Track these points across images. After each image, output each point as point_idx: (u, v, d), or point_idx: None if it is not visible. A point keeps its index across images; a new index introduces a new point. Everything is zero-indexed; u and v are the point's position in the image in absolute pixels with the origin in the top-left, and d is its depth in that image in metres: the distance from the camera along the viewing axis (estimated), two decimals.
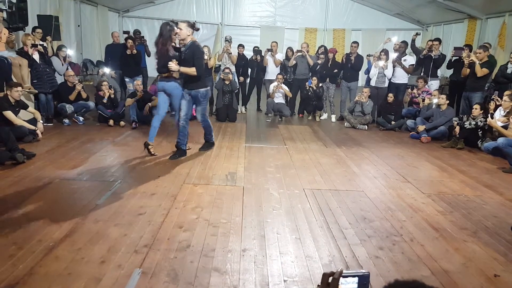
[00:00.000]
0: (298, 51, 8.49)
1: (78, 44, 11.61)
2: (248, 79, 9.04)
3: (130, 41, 7.85)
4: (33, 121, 5.62)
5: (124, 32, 10.05)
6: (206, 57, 8.14)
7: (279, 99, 8.32)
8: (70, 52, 8.38)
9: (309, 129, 7.46)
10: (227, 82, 7.80)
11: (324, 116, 8.71)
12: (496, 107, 6.15)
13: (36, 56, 6.58)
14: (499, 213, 3.69)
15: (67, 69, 7.36)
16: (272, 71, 8.68)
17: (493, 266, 2.72)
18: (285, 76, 8.49)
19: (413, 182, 4.51)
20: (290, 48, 8.84)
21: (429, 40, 8.28)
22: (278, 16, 15.28)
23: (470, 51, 7.39)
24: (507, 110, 5.81)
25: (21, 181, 3.95)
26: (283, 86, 8.17)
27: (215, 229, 3.08)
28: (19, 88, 5.56)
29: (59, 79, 7.11)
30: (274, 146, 5.92)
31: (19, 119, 5.42)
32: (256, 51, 8.91)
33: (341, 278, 1.18)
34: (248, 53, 9.17)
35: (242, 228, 3.13)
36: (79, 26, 11.47)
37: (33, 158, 4.67)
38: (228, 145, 5.83)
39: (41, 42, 6.89)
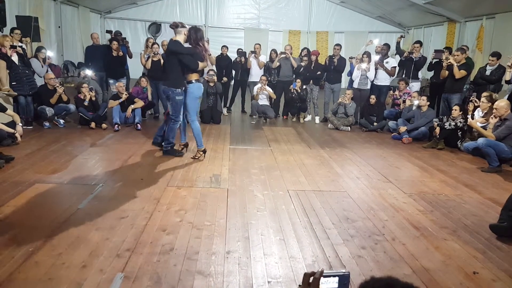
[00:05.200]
0: (282, 53, 8.52)
1: (59, 46, 11.43)
2: (232, 81, 9.04)
3: (115, 42, 7.77)
4: (12, 124, 5.49)
5: (107, 32, 9.93)
6: None
7: (263, 101, 8.34)
8: (50, 53, 8.24)
9: (293, 131, 7.50)
10: (211, 84, 7.78)
11: (308, 117, 8.77)
12: (475, 108, 6.29)
13: (15, 58, 6.41)
14: (478, 212, 3.77)
15: (47, 71, 7.22)
16: (256, 73, 8.70)
17: (472, 263, 2.78)
18: (269, 78, 8.51)
19: (394, 182, 4.57)
20: (274, 50, 8.88)
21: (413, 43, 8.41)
22: (262, 18, 15.34)
23: (450, 53, 7.53)
24: (485, 111, 5.95)
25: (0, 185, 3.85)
26: (267, 88, 8.19)
27: (199, 231, 3.07)
28: None
29: (39, 81, 6.97)
30: (259, 147, 5.93)
31: None
32: (240, 53, 8.93)
33: (321, 278, 1.19)
34: (232, 55, 9.18)
35: (226, 230, 3.12)
36: (59, 27, 11.28)
37: (12, 162, 4.56)
38: (213, 147, 5.81)
39: (20, 44, 6.75)
